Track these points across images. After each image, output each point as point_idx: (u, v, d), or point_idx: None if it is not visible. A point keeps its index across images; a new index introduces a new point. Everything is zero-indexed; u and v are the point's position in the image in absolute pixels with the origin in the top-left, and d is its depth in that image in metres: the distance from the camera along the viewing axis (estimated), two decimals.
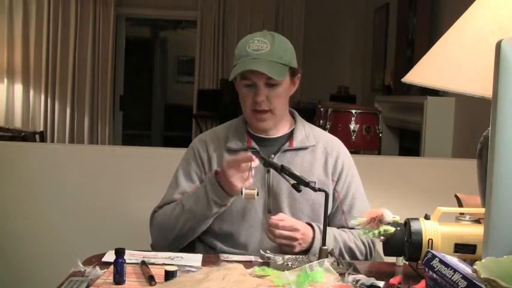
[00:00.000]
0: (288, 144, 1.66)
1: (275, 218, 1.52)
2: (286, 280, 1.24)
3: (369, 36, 6.69)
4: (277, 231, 1.50)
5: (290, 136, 1.68)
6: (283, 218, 1.53)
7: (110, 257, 1.37)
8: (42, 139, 5.86)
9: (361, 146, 3.81)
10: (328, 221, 1.60)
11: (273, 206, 1.62)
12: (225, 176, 1.51)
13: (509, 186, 0.97)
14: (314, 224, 1.57)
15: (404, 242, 1.31)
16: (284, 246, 1.52)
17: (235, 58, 1.62)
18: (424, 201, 2.43)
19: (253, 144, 1.65)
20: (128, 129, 7.40)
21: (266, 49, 1.58)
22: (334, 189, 1.67)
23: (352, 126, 3.76)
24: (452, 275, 1.00)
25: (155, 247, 1.66)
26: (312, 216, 1.62)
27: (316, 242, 1.53)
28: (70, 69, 6.42)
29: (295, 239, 1.51)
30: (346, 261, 1.43)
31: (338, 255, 1.54)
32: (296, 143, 1.66)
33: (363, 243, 1.63)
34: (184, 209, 1.59)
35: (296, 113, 1.75)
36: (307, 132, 1.70)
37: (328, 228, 1.52)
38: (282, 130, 1.69)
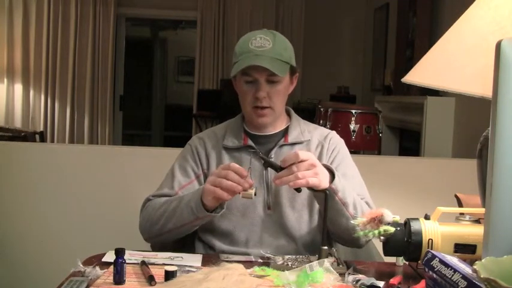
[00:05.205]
0: (283, 139, 1.68)
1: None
2: (286, 280, 1.24)
3: (369, 36, 6.69)
4: (302, 163, 1.41)
5: (286, 132, 1.69)
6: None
7: (110, 257, 1.37)
8: (42, 139, 5.86)
9: (361, 146, 3.81)
10: None
11: (272, 202, 1.62)
12: (210, 183, 1.46)
13: (509, 186, 0.97)
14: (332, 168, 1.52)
15: (404, 242, 1.31)
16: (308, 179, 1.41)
17: (236, 55, 1.62)
18: (424, 201, 2.43)
19: (250, 142, 1.66)
20: (128, 129, 7.41)
21: (268, 46, 1.59)
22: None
23: (352, 126, 3.76)
24: (452, 275, 1.00)
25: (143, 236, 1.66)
26: (313, 209, 1.62)
27: (337, 178, 1.48)
28: (70, 69, 6.42)
29: (314, 166, 1.43)
30: (346, 261, 1.43)
31: (353, 206, 1.51)
32: (291, 138, 1.67)
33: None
34: (170, 208, 1.57)
35: (292, 111, 1.76)
36: (302, 129, 1.71)
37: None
38: (279, 127, 1.70)
